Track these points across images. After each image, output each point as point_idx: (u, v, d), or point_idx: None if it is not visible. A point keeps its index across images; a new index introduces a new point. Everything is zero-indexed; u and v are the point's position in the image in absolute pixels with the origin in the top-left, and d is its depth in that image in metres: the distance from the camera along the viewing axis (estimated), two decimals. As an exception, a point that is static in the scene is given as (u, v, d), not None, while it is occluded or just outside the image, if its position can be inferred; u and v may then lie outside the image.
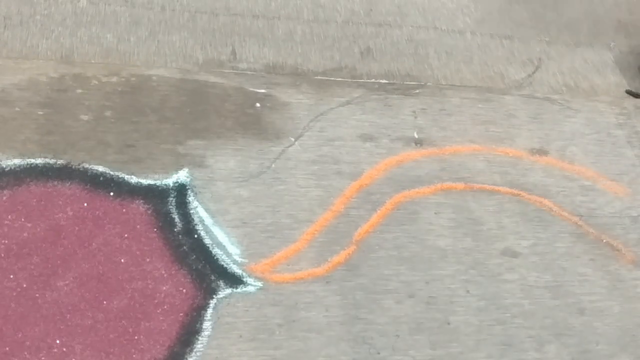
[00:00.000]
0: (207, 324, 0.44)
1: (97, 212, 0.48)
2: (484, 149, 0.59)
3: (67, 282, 0.44)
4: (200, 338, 0.44)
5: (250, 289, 0.46)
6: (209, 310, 0.45)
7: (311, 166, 0.61)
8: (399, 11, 0.73)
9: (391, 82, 0.68)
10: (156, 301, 0.44)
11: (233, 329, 0.43)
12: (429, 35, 0.70)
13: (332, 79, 0.69)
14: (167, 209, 0.51)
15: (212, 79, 0.60)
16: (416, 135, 0.58)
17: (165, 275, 0.46)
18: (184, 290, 0.45)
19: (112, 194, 0.49)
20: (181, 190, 0.54)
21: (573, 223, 0.54)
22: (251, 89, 0.62)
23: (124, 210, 0.48)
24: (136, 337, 0.42)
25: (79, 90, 0.57)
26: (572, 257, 0.53)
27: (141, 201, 0.50)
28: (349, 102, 0.65)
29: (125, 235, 0.47)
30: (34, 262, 0.45)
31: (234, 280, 0.48)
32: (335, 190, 0.56)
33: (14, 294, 0.43)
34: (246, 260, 0.50)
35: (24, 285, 0.43)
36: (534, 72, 0.67)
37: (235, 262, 0.49)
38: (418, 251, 0.49)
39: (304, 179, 0.60)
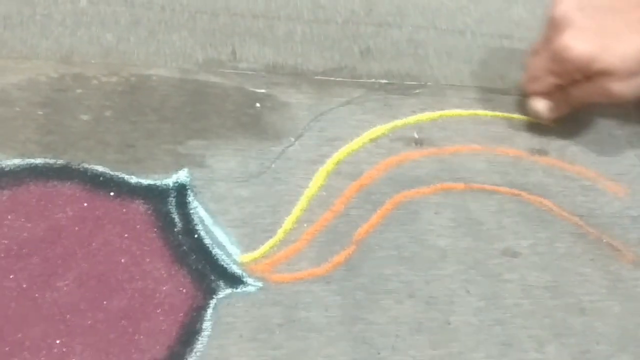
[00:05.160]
0: (207, 324, 0.46)
1: (97, 212, 0.49)
2: (484, 149, 0.61)
3: (67, 282, 0.46)
4: (200, 338, 0.46)
5: (250, 289, 0.48)
6: (209, 310, 0.47)
7: (311, 166, 0.67)
8: (398, 11, 0.74)
9: (391, 82, 0.71)
10: (156, 301, 0.45)
11: (233, 328, 0.45)
12: (429, 35, 0.71)
13: (332, 79, 0.71)
14: (167, 209, 0.52)
15: (212, 78, 0.62)
16: (416, 135, 0.60)
17: (165, 275, 0.47)
18: (184, 290, 0.46)
19: (112, 193, 0.50)
20: (181, 190, 0.57)
21: (573, 223, 0.56)
22: (251, 89, 0.65)
23: (124, 210, 0.49)
24: (136, 337, 0.43)
25: (79, 90, 0.59)
26: (572, 257, 0.55)
27: (141, 201, 0.51)
28: (349, 102, 0.69)
29: (125, 235, 0.49)
30: (34, 262, 0.46)
31: (234, 281, 0.50)
32: (335, 190, 0.60)
33: (14, 294, 0.44)
34: (246, 260, 0.56)
35: (24, 285, 0.44)
36: (534, 72, 0.70)
37: (235, 262, 0.52)
38: (418, 251, 0.52)
39: (304, 179, 0.67)
